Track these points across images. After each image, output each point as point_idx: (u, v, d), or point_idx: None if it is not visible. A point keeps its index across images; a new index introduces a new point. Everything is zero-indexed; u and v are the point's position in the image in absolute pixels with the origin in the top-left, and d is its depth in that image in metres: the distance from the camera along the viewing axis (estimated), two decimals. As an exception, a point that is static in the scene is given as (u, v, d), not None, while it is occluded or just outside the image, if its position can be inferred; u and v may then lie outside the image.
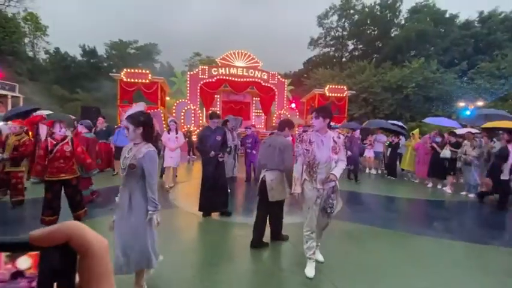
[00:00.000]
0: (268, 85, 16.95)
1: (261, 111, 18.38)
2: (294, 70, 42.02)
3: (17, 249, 0.21)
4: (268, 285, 2.70)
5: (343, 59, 39.09)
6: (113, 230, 2.23)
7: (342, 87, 18.58)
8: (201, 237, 3.90)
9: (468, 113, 16.81)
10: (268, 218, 3.55)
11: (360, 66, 28.49)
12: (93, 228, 0.23)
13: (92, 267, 0.23)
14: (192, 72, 17.09)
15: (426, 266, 3.17)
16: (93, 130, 7.06)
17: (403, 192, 7.08)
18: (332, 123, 2.86)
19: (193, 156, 12.02)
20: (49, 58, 34.32)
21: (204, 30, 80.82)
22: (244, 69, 16.59)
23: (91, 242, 0.23)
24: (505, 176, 5.70)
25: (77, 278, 0.22)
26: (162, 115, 14.91)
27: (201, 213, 4.47)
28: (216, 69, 16.57)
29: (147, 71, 15.56)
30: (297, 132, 8.32)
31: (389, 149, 9.61)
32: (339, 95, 17.73)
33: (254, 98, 18.66)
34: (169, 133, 6.28)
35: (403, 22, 34.98)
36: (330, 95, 17.58)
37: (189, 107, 15.73)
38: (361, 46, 38.55)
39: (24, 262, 0.21)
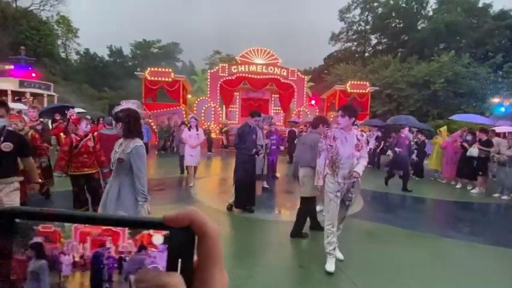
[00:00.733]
0: (288, 82, 16.84)
1: (279, 108, 18.32)
2: (314, 66, 41.32)
3: (151, 227, 0.25)
4: (287, 281, 2.76)
5: (366, 54, 37.78)
6: None
7: (364, 83, 18.04)
8: (223, 232, 4.03)
9: (503, 109, 15.70)
10: (296, 212, 3.76)
11: (384, 61, 27.41)
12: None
13: (208, 248, 0.26)
14: (212, 70, 17.38)
15: (450, 269, 3.08)
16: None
17: (429, 193, 6.82)
18: (341, 118, 2.92)
19: (210, 153, 12.28)
20: (80, 59, 36.36)
21: (224, 28, 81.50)
22: (264, 66, 16.59)
23: (208, 226, 0.26)
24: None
25: (195, 258, 0.26)
26: (184, 112, 15.35)
27: (226, 208, 4.58)
28: (235, 66, 16.72)
29: (170, 70, 16.05)
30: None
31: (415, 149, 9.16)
32: (361, 91, 17.24)
33: (273, 95, 18.63)
34: (189, 130, 6.30)
35: (431, 14, 33.10)
36: (352, 91, 17.14)
37: (209, 104, 16.05)
38: (385, 40, 37.02)
39: (158, 239, 0.24)
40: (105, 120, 6.50)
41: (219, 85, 16.47)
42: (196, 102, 16.64)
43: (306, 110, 16.61)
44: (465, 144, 7.28)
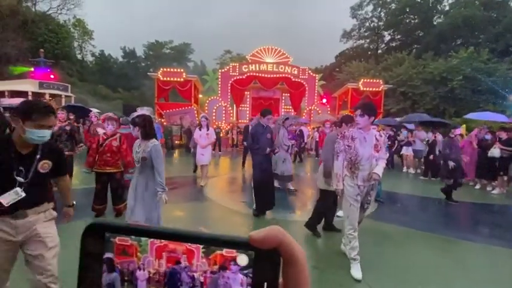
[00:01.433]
0: (299, 80, 16.72)
1: (290, 107, 18.22)
2: (325, 64, 40.83)
3: (235, 246, 0.24)
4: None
5: (379, 51, 37.00)
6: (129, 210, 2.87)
7: (377, 80, 17.68)
8: (236, 232, 4.06)
9: (525, 107, 15.01)
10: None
11: (398, 58, 26.75)
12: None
13: (296, 273, 0.24)
14: (223, 70, 17.48)
15: (470, 273, 2.98)
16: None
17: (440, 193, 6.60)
18: (360, 117, 2.79)
19: (219, 152, 12.34)
20: (95, 60, 37.43)
21: (235, 28, 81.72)
22: (274, 65, 16.54)
23: (296, 250, 0.25)
24: None
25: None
26: (196, 112, 15.53)
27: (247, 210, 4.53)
28: (246, 66, 16.74)
29: (182, 70, 16.26)
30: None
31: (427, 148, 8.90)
32: (374, 89, 16.90)
33: (284, 94, 18.54)
34: (200, 130, 6.21)
35: (447, 8, 32.00)
36: (365, 89, 16.84)
37: (220, 104, 16.16)
38: (399, 36, 36.10)
39: (243, 260, 0.23)
40: (122, 120, 6.70)
41: (229, 84, 16.56)
42: (207, 101, 16.80)
43: (317, 109, 16.46)
44: (482, 144, 7.02)
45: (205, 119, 6.26)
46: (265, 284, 0.24)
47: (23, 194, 1.65)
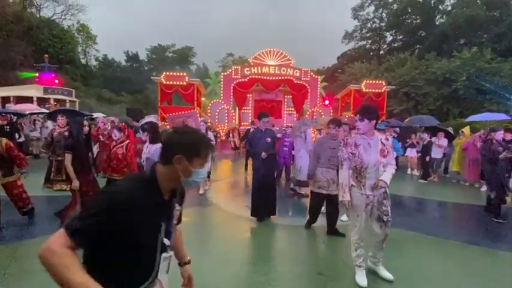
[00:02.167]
0: (301, 82, 16.72)
1: (292, 109, 18.21)
2: (327, 65, 40.81)
3: None
4: None
5: (381, 52, 36.89)
6: None
7: (380, 82, 17.62)
8: (239, 237, 4.05)
9: (530, 107, 14.85)
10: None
11: (400, 59, 26.63)
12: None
13: None
14: (225, 73, 17.53)
15: (478, 278, 2.94)
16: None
17: (451, 196, 6.54)
18: (359, 122, 2.64)
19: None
20: (98, 64, 37.79)
21: (237, 31, 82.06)
22: (276, 68, 16.57)
23: None
24: None
25: None
26: (198, 115, 15.59)
27: (251, 216, 4.43)
28: (248, 68, 16.79)
29: (184, 74, 16.35)
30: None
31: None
32: (377, 90, 16.85)
33: (286, 96, 18.54)
34: None
35: (449, 8, 31.86)
36: (367, 90, 16.79)
37: (222, 107, 16.20)
38: (401, 37, 35.97)
39: None
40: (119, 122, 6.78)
41: (232, 87, 16.60)
42: (210, 104, 16.86)
43: (320, 111, 16.43)
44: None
45: (204, 123, 6.05)
46: None
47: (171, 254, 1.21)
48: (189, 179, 1.14)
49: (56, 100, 18.50)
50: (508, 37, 25.42)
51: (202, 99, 19.92)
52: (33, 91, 18.05)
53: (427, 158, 8.22)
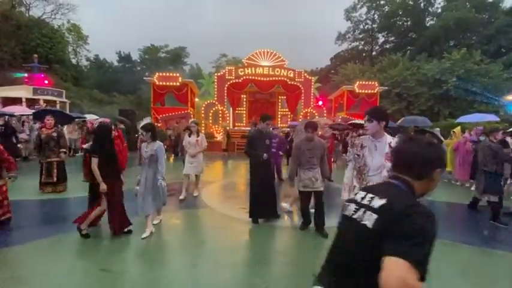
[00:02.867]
0: (295, 83, 16.80)
1: (287, 109, 18.27)
2: (320, 66, 41.08)
3: None
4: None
5: (374, 53, 37.35)
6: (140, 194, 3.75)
7: (372, 83, 17.83)
8: (235, 240, 4.02)
9: (518, 107, 15.23)
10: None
11: (392, 60, 27.02)
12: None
13: None
14: (219, 74, 17.49)
15: (470, 278, 2.99)
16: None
17: (443, 196, 6.62)
18: (368, 123, 2.50)
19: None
20: (90, 65, 37.18)
21: (230, 31, 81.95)
22: (270, 68, 16.61)
23: None
24: None
25: None
26: (192, 116, 15.47)
27: (247, 217, 4.42)
28: (242, 69, 16.78)
29: (178, 74, 16.23)
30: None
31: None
32: (369, 91, 17.05)
33: (280, 97, 18.60)
34: (189, 136, 5.65)
35: (439, 11, 32.50)
36: (360, 91, 16.97)
37: (216, 107, 16.14)
38: (392, 38, 36.51)
39: None
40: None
41: (226, 88, 16.57)
42: (203, 105, 16.78)
43: (314, 111, 16.52)
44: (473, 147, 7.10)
45: (194, 125, 5.73)
46: None
47: None
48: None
49: (45, 101, 18.10)
50: (497, 39, 26.06)
51: (196, 99, 19.80)
52: (22, 92, 17.63)
53: None
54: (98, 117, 15.16)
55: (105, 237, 3.76)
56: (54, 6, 29.42)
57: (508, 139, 6.58)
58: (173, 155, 11.34)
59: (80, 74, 32.76)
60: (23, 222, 4.09)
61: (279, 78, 16.56)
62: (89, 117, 13.04)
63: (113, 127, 4.43)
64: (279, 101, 18.81)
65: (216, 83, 17.05)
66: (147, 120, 4.09)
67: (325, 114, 16.80)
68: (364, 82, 17.97)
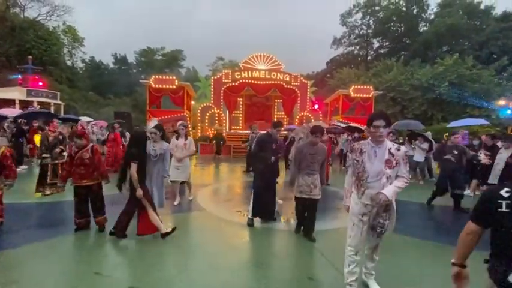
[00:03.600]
0: (291, 87, 16.91)
1: (283, 113, 18.36)
2: (316, 70, 41.41)
3: None
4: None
5: (369, 58, 37.81)
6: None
7: (368, 87, 18.03)
8: (230, 243, 4.02)
9: (509, 112, 15.55)
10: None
11: (387, 65, 27.39)
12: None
13: None
14: (215, 77, 17.53)
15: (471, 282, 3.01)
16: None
17: (438, 199, 6.71)
18: (382, 129, 2.41)
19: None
20: (85, 66, 36.94)
21: (227, 35, 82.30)
22: (267, 72, 16.70)
23: None
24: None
25: None
26: (188, 119, 15.45)
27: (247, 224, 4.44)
28: (238, 73, 16.84)
29: (174, 77, 16.22)
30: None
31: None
32: (364, 95, 17.22)
33: (276, 100, 18.69)
34: (177, 139, 5.38)
35: (432, 17, 33.15)
36: (355, 95, 17.13)
37: (213, 110, 16.15)
38: (387, 43, 37.05)
39: None
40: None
41: (222, 91, 16.60)
42: (200, 108, 16.77)
43: (310, 115, 16.63)
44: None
45: (183, 127, 5.51)
46: None
47: None
48: None
49: (39, 103, 17.92)
50: (488, 45, 26.62)
51: (192, 102, 19.78)
52: (16, 93, 17.43)
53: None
54: (91, 119, 15.04)
55: (99, 241, 3.72)
56: (49, 7, 29.26)
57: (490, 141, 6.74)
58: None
59: (75, 76, 32.50)
60: (16, 225, 4.02)
61: (276, 82, 16.66)
62: (83, 119, 12.91)
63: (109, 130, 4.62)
64: (275, 104, 18.90)
65: (212, 86, 17.07)
66: (155, 122, 4.38)
67: (320, 118, 16.91)
68: (359, 86, 18.16)
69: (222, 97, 16.66)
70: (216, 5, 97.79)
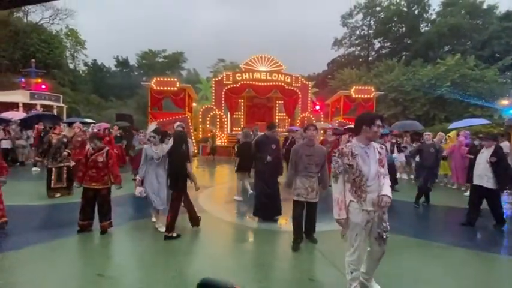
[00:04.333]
0: (292, 88, 16.92)
1: (284, 114, 18.37)
2: (317, 72, 41.43)
3: None
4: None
5: (370, 58, 37.77)
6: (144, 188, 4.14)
7: (369, 88, 17.98)
8: (231, 244, 4.03)
9: (512, 112, 15.41)
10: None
11: (388, 65, 27.35)
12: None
13: None
14: (216, 79, 17.58)
15: (465, 280, 3.01)
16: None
17: (439, 199, 6.68)
18: (381, 129, 2.41)
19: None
20: (87, 69, 37.20)
21: (228, 37, 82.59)
22: (268, 74, 16.73)
23: None
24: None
25: None
26: (190, 121, 15.50)
27: (234, 217, 4.59)
28: (240, 74, 16.89)
29: (175, 79, 16.28)
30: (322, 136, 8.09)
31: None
32: (366, 96, 17.17)
33: (277, 102, 18.70)
34: None
35: (434, 17, 33.07)
36: (357, 96, 17.10)
37: (214, 112, 16.19)
38: (388, 44, 37.01)
39: None
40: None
41: (223, 93, 16.64)
42: (201, 110, 16.82)
43: (311, 116, 16.63)
44: (472, 150, 7.16)
45: (181, 128, 5.56)
46: None
47: None
48: None
49: (43, 106, 18.06)
50: (491, 44, 26.47)
51: (194, 104, 19.84)
52: (19, 96, 17.58)
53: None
54: (94, 121, 15.12)
55: (102, 243, 3.75)
56: (52, 11, 29.51)
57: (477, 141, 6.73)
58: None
59: (78, 78, 32.75)
60: (20, 227, 4.06)
61: (276, 83, 16.69)
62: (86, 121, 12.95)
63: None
64: (277, 105, 18.91)
65: (213, 88, 17.12)
66: (154, 126, 4.89)
67: (322, 119, 16.90)
68: (360, 87, 18.12)
69: (223, 99, 16.70)
70: (217, 6, 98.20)
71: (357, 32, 38.46)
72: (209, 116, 16.16)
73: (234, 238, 4.17)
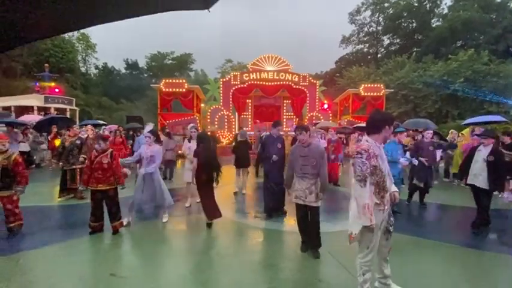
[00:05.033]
0: (299, 87, 16.83)
1: (292, 113, 18.30)
2: (325, 70, 41.07)
3: None
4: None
5: (379, 55, 37.19)
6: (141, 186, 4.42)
7: (378, 85, 17.72)
8: (239, 244, 4.05)
9: (529, 108, 14.89)
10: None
11: (398, 62, 26.85)
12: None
13: None
14: (224, 79, 17.67)
15: (479, 281, 2.93)
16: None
17: (451, 199, 6.52)
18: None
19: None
20: (98, 72, 38.06)
21: (235, 37, 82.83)
22: (275, 73, 16.70)
23: None
24: None
25: None
26: (198, 121, 15.64)
27: (235, 216, 4.68)
28: (247, 74, 16.92)
29: (184, 81, 16.47)
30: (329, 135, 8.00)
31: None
32: (375, 93, 16.92)
33: (285, 101, 18.65)
34: (189, 141, 5.48)
35: (445, 11, 32.24)
36: (366, 94, 16.87)
37: (222, 112, 16.28)
38: (398, 40, 36.33)
39: None
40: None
41: (231, 93, 16.72)
42: (209, 110, 16.95)
43: (319, 115, 16.50)
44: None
45: (194, 130, 5.56)
46: None
47: None
48: None
49: (56, 109, 18.57)
50: (505, 39, 25.62)
51: (202, 105, 20.01)
52: (34, 100, 18.14)
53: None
54: (105, 123, 15.44)
55: (114, 243, 3.83)
56: (64, 17, 30.28)
57: (507, 139, 6.49)
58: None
59: (89, 81, 33.56)
60: (35, 228, 4.20)
61: (284, 83, 16.64)
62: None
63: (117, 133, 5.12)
64: (284, 105, 18.86)
65: (221, 89, 17.22)
66: (150, 126, 5.04)
67: (330, 118, 16.75)
68: (369, 85, 17.87)
69: (231, 99, 16.78)
70: (224, 7, 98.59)
71: (365, 29, 37.97)
72: (217, 116, 16.27)
73: (243, 238, 4.19)
